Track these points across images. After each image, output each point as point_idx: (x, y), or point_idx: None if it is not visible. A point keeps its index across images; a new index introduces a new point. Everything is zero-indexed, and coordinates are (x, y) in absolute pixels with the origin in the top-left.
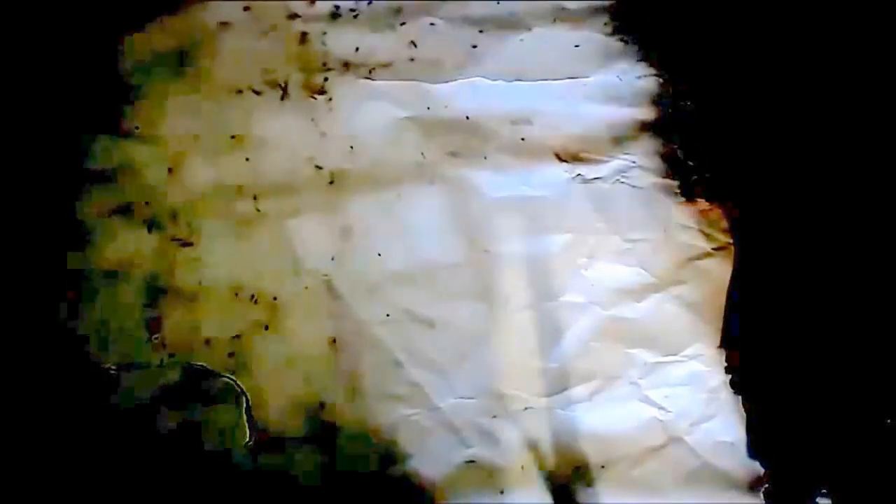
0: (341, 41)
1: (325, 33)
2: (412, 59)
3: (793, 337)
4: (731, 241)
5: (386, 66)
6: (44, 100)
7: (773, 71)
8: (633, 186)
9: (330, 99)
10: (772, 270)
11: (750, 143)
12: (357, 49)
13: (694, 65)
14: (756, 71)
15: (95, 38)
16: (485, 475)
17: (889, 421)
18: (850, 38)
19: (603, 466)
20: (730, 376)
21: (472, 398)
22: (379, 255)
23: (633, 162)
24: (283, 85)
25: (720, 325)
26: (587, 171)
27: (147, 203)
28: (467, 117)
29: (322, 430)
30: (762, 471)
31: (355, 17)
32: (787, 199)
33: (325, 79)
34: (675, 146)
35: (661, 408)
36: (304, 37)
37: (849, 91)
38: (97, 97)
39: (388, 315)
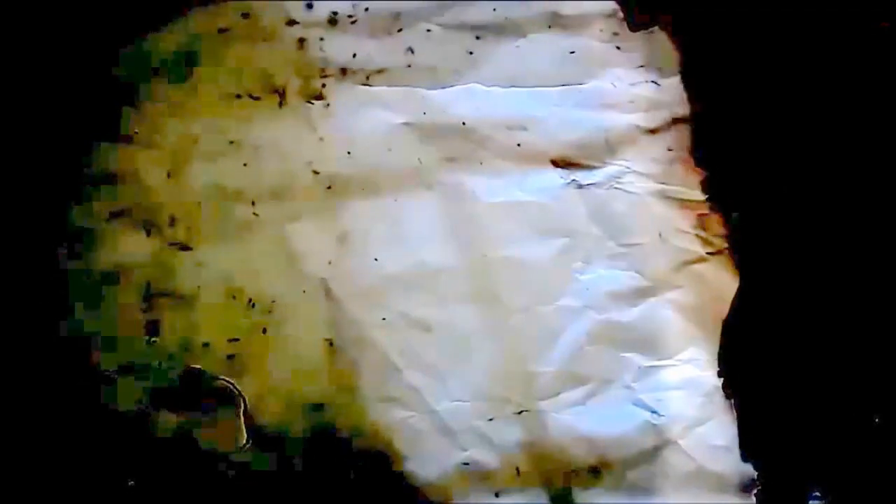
0: (339, 47)
1: (322, 39)
2: (409, 66)
3: (786, 340)
4: (726, 245)
5: (383, 72)
6: (44, 104)
7: (779, 79)
8: (628, 192)
9: (328, 105)
10: (768, 275)
11: (754, 149)
12: (355, 55)
13: (700, 70)
14: (763, 78)
15: (96, 44)
16: (480, 477)
17: (878, 420)
18: (855, 49)
19: (597, 469)
20: (723, 380)
21: (467, 401)
22: (376, 259)
23: (628, 167)
24: (281, 90)
25: (715, 329)
26: (582, 176)
27: (146, 207)
28: (464, 123)
29: (319, 432)
30: (755, 474)
31: (353, 23)
32: (784, 204)
33: (323, 84)
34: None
35: (655, 411)
36: (301, 42)
37: (853, 99)
38: (97, 102)
39: (384, 318)
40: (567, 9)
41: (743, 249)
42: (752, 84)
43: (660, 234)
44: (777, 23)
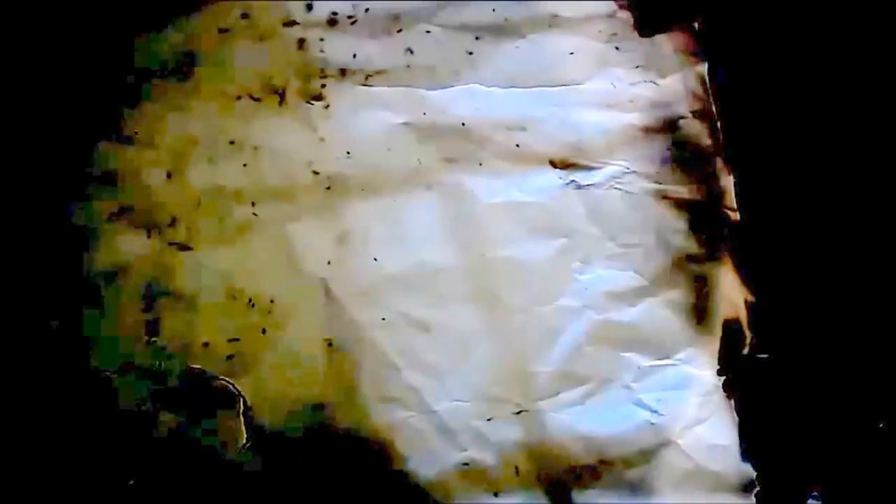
0: (339, 48)
1: (322, 39)
2: (409, 66)
3: (786, 341)
4: (724, 245)
5: (383, 72)
6: (46, 105)
7: (776, 80)
8: (627, 192)
9: (327, 105)
10: (768, 275)
11: (753, 149)
12: (354, 56)
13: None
14: (760, 79)
15: (97, 45)
16: (479, 477)
17: (881, 424)
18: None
19: (596, 469)
20: (723, 379)
21: (467, 401)
22: (375, 259)
23: (627, 168)
24: (281, 91)
25: (713, 328)
26: (581, 176)
27: (146, 207)
28: (463, 123)
29: (319, 432)
30: (754, 474)
31: (353, 23)
32: (785, 205)
33: (323, 85)
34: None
35: (654, 411)
36: (301, 43)
37: (852, 99)
38: (98, 103)
39: (384, 318)
40: (566, 9)
41: (743, 250)
42: (749, 85)
43: (658, 235)
44: (777, 23)
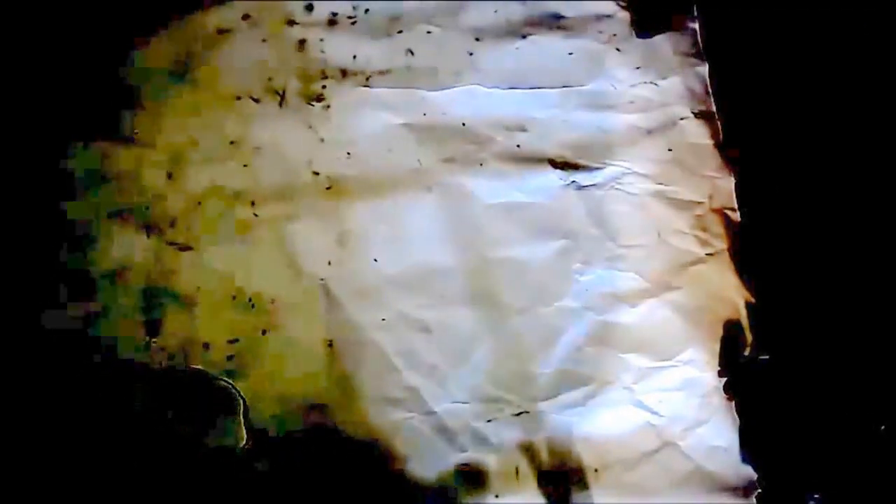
0: (339, 48)
1: (322, 40)
2: (409, 67)
3: (786, 343)
4: (725, 246)
5: (383, 73)
6: (46, 104)
7: (774, 80)
8: (628, 193)
9: (328, 106)
10: (768, 276)
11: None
12: (355, 56)
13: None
14: (759, 79)
15: (96, 45)
16: (479, 479)
17: (882, 428)
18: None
19: (596, 470)
20: (723, 381)
21: (467, 402)
22: (376, 260)
23: (628, 168)
24: (281, 92)
25: (714, 330)
26: (582, 177)
27: (146, 208)
28: (463, 124)
29: (319, 432)
30: (755, 476)
31: (353, 24)
32: (782, 205)
33: (323, 86)
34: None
35: (654, 412)
36: (302, 44)
37: (851, 99)
38: (98, 102)
39: (384, 319)
40: (567, 10)
41: (744, 250)
42: (749, 85)
43: (659, 235)
44: (777, 23)
